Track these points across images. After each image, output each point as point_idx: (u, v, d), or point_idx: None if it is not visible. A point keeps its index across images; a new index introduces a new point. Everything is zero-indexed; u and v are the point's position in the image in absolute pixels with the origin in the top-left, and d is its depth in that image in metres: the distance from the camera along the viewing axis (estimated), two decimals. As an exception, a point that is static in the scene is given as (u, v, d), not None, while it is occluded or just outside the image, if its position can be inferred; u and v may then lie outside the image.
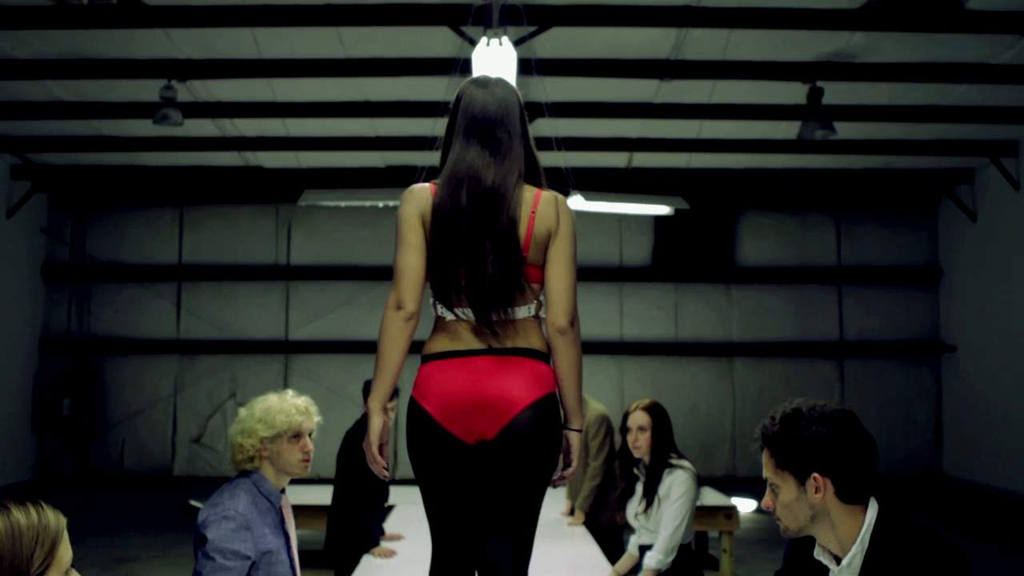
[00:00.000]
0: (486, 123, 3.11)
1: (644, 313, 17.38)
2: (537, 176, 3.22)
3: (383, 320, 3.11)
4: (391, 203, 12.04)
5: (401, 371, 3.14)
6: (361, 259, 17.13)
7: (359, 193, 13.23)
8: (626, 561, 5.13)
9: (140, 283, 17.20)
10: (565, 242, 3.02)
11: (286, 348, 17.27)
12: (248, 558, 3.34)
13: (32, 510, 1.66)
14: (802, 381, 16.75)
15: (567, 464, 3.17)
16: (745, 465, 16.91)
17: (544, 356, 3.06)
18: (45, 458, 16.84)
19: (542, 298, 3.06)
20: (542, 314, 3.07)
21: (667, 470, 4.79)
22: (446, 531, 3.10)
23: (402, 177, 13.73)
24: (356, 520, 6.11)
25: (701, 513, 8.47)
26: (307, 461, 3.55)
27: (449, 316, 3.07)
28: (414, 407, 3.10)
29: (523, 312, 3.01)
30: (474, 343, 3.00)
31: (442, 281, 3.03)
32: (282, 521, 3.53)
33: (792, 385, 16.60)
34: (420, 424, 3.05)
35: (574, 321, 3.04)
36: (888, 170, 15.98)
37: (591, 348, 16.74)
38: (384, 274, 17.61)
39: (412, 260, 3.01)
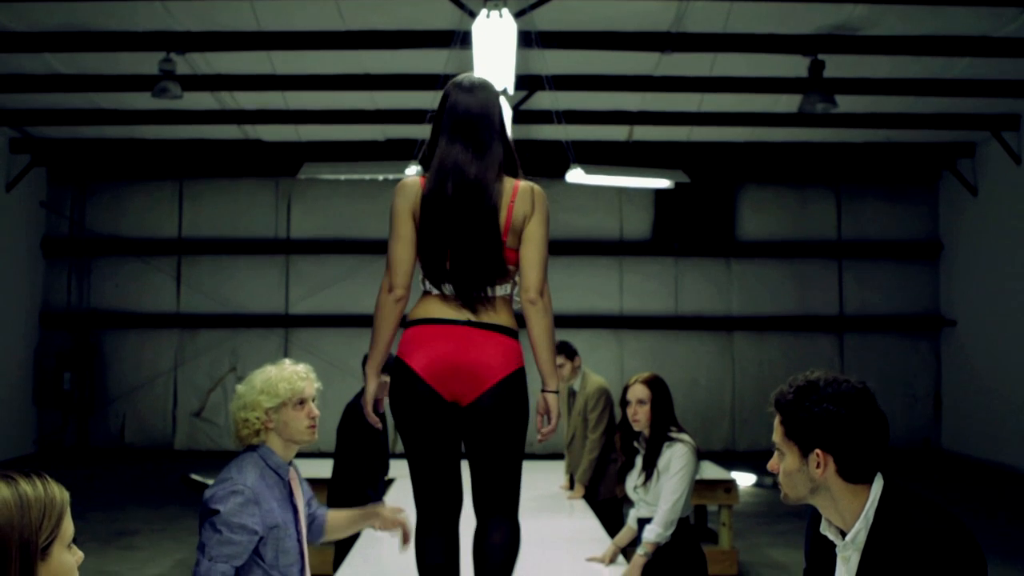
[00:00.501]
0: (469, 123, 3.46)
1: (644, 287, 17.37)
2: (515, 169, 3.55)
3: (378, 300, 3.53)
4: (391, 176, 12.01)
5: (392, 341, 3.56)
6: (361, 233, 17.11)
7: (359, 166, 13.21)
8: (626, 534, 5.14)
9: (140, 257, 17.19)
10: (538, 224, 3.40)
11: (286, 322, 17.28)
12: (255, 533, 3.34)
13: (38, 483, 1.67)
14: (802, 355, 16.77)
15: (548, 422, 3.49)
16: (744, 439, 16.95)
17: (514, 332, 3.45)
18: (46, 432, 16.88)
19: (517, 278, 3.44)
20: (516, 295, 3.45)
21: (667, 443, 4.79)
22: (426, 479, 3.49)
23: (402, 150, 13.70)
24: (356, 493, 6.12)
25: (700, 487, 8.50)
26: (314, 427, 3.52)
27: (435, 290, 3.47)
28: (399, 365, 3.45)
29: (500, 291, 3.43)
30: (455, 314, 3.39)
31: (431, 262, 3.44)
32: (290, 494, 3.53)
33: (792, 359, 16.63)
34: (404, 379, 3.41)
35: (543, 292, 3.40)
36: (889, 144, 15.94)
37: (591, 322, 16.76)
38: (383, 248, 17.65)
39: (402, 251, 3.48)
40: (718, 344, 17.46)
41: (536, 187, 3.50)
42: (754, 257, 17.43)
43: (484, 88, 3.57)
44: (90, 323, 17.06)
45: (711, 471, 8.91)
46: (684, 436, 4.85)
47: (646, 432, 4.86)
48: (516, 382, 3.40)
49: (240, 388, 3.55)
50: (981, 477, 14.81)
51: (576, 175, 11.75)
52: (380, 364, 3.60)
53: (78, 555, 1.73)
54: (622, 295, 17.39)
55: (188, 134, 15.57)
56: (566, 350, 7.37)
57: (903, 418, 17.15)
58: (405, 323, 3.55)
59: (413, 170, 11.44)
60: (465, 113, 3.48)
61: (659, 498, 4.76)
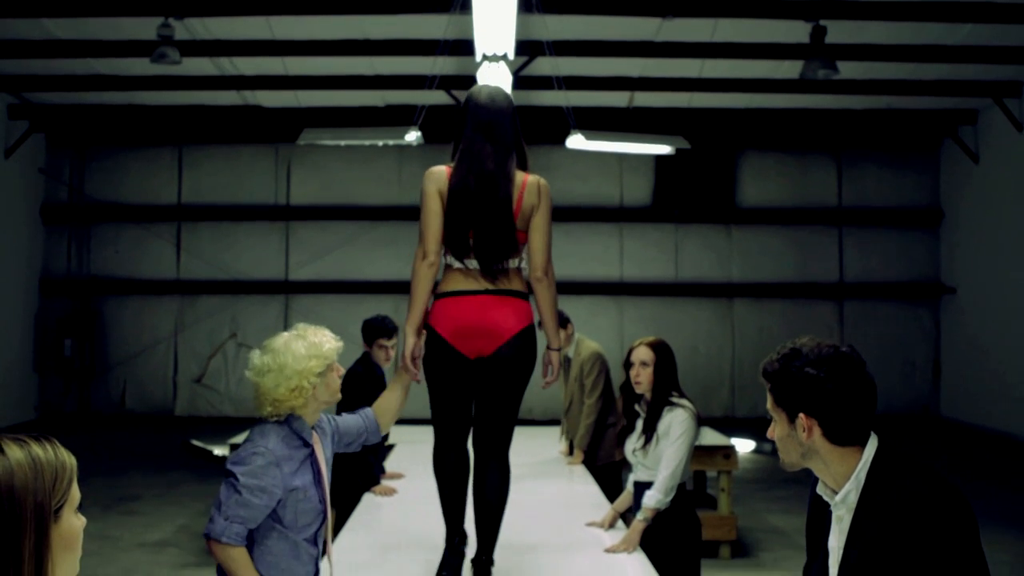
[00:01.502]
0: (488, 124, 4.08)
1: (644, 254, 17.37)
2: (524, 163, 4.17)
3: (413, 266, 4.08)
4: (391, 142, 11.96)
5: (428, 301, 4.11)
6: (361, 199, 17.09)
7: (359, 132, 13.15)
8: (624, 499, 5.17)
9: (140, 224, 17.18)
10: (543, 215, 4.08)
11: (286, 288, 17.29)
12: (274, 495, 3.36)
13: (49, 447, 1.68)
14: (802, 322, 16.77)
15: (551, 373, 4.26)
16: (744, 405, 17.00)
17: (525, 296, 4.12)
18: (47, 398, 16.93)
19: (524, 254, 4.10)
20: (524, 265, 4.12)
21: (667, 408, 4.80)
22: (447, 420, 4.19)
23: (402, 115, 13.67)
24: (357, 459, 6.14)
25: (700, 452, 8.53)
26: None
27: (458, 265, 4.06)
28: (429, 332, 4.08)
29: (512, 264, 4.08)
30: (476, 285, 4.02)
31: (455, 240, 4.05)
32: (312, 456, 3.54)
33: (791, 326, 16.62)
34: (433, 344, 4.06)
35: (548, 271, 4.11)
36: (890, 110, 15.88)
37: (591, 289, 16.77)
38: (383, 214, 17.60)
39: (433, 224, 4.08)
40: (718, 311, 17.47)
41: (542, 181, 4.13)
42: (754, 224, 17.41)
43: (501, 93, 4.21)
44: (90, 290, 17.07)
45: (710, 437, 8.94)
46: (685, 402, 4.86)
47: (647, 395, 4.87)
48: (528, 336, 4.10)
49: (271, 359, 3.45)
50: (979, 444, 14.87)
51: (576, 141, 11.72)
52: (419, 321, 4.07)
53: (82, 520, 1.75)
54: (622, 262, 17.39)
55: (187, 100, 15.51)
56: (559, 317, 7.39)
57: (902, 385, 17.19)
58: (435, 295, 4.12)
59: (413, 136, 11.41)
60: (485, 115, 4.10)
61: (658, 463, 4.77)
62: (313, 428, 3.58)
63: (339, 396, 3.61)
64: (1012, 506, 10.54)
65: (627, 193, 17.41)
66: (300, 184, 17.36)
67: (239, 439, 3.18)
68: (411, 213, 17.27)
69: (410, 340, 4.07)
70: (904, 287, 17.38)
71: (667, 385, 4.87)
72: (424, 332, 4.12)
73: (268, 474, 3.35)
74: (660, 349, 4.90)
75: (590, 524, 5.04)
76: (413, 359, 4.06)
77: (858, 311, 17.41)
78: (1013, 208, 14.64)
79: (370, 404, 6.32)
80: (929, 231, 17.46)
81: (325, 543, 3.62)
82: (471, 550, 4.31)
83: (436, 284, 4.16)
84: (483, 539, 4.20)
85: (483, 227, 4.01)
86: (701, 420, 4.93)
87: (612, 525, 5.08)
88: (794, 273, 17.38)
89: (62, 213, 17.15)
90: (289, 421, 3.49)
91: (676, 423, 4.76)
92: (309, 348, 3.49)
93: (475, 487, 4.20)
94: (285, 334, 3.55)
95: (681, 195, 17.24)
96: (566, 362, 7.64)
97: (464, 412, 4.22)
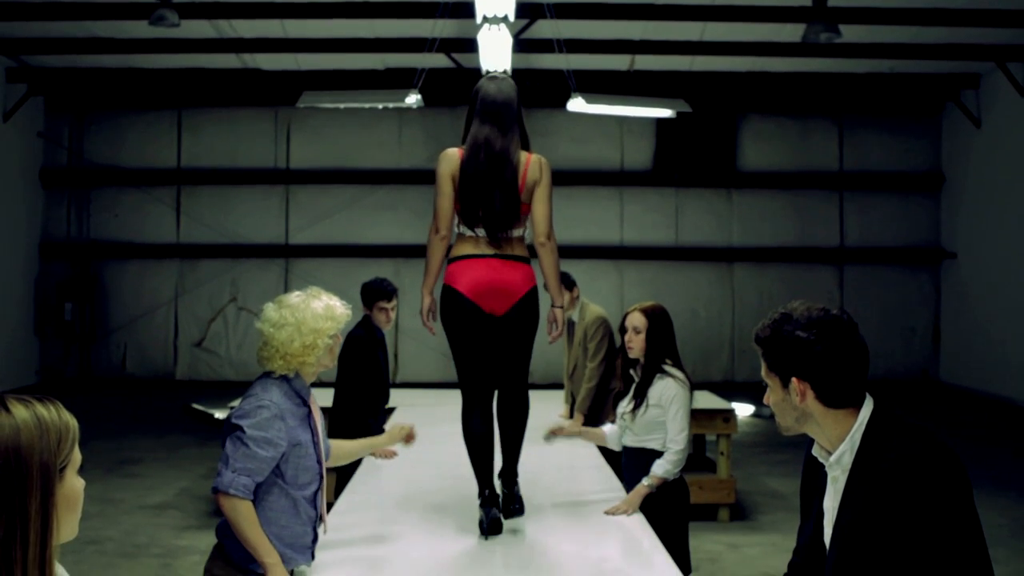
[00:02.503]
0: (496, 110, 4.56)
1: (644, 218, 17.35)
2: (527, 144, 4.67)
3: (428, 240, 4.59)
4: (390, 105, 11.93)
5: (440, 269, 4.62)
6: (361, 163, 17.05)
7: (358, 95, 13.11)
8: (596, 433, 5.25)
9: (139, 187, 17.15)
10: (545, 189, 4.56)
11: (286, 252, 17.29)
12: (280, 447, 3.38)
13: (52, 408, 1.69)
14: (802, 287, 16.77)
15: (556, 328, 4.70)
16: (743, 370, 17.04)
17: (528, 261, 4.59)
18: (48, 363, 16.96)
19: (528, 223, 4.59)
20: (525, 233, 4.61)
21: (658, 375, 4.81)
22: (470, 370, 4.61)
23: (401, 78, 13.60)
24: (357, 422, 6.16)
25: (699, 416, 8.55)
26: None
27: (469, 233, 4.54)
28: (448, 290, 4.53)
29: (517, 232, 4.57)
30: (485, 250, 4.51)
31: (467, 212, 4.51)
32: (309, 416, 3.56)
33: (792, 291, 16.61)
34: (453, 300, 4.50)
35: (550, 237, 4.57)
36: (892, 74, 15.80)
37: (591, 253, 16.76)
38: (383, 177, 17.55)
39: (445, 204, 4.53)
40: (718, 275, 17.48)
41: (543, 159, 4.61)
42: (755, 188, 17.38)
43: (507, 81, 4.69)
44: (90, 254, 17.06)
45: (710, 401, 8.97)
46: (676, 372, 4.86)
47: (642, 360, 4.88)
48: (533, 296, 4.58)
49: (290, 313, 3.47)
50: (978, 409, 14.91)
51: (577, 104, 11.67)
52: (432, 286, 4.62)
53: (82, 482, 1.76)
54: (622, 226, 17.37)
55: (186, 63, 15.44)
56: (565, 281, 7.41)
57: (902, 350, 17.23)
58: (449, 259, 4.60)
59: (413, 99, 11.36)
60: (492, 102, 4.58)
61: (648, 431, 4.81)
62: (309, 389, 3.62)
63: (335, 364, 3.68)
64: (1010, 471, 10.59)
65: (628, 157, 17.36)
66: (300, 147, 17.31)
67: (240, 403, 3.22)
68: (411, 177, 17.36)
69: (425, 301, 4.63)
70: (905, 252, 17.37)
71: (660, 352, 4.87)
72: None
73: (274, 426, 3.37)
74: (653, 316, 4.90)
75: (608, 512, 4.87)
76: (428, 315, 4.64)
77: (858, 276, 17.41)
78: (1015, 173, 14.60)
79: (370, 366, 6.34)
80: (930, 196, 17.43)
81: (321, 507, 3.64)
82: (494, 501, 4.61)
83: (449, 249, 4.65)
84: (508, 455, 4.69)
85: (491, 201, 4.47)
86: (695, 386, 4.95)
87: (630, 512, 4.84)
88: (795, 237, 17.36)
89: (61, 177, 17.11)
90: (288, 379, 3.51)
91: (667, 394, 4.77)
92: (326, 309, 3.54)
93: (499, 413, 4.70)
94: (299, 293, 3.58)
95: (682, 159, 17.20)
96: (570, 326, 7.66)
97: (486, 366, 4.62)
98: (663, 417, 4.79)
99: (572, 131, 16.65)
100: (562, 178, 16.47)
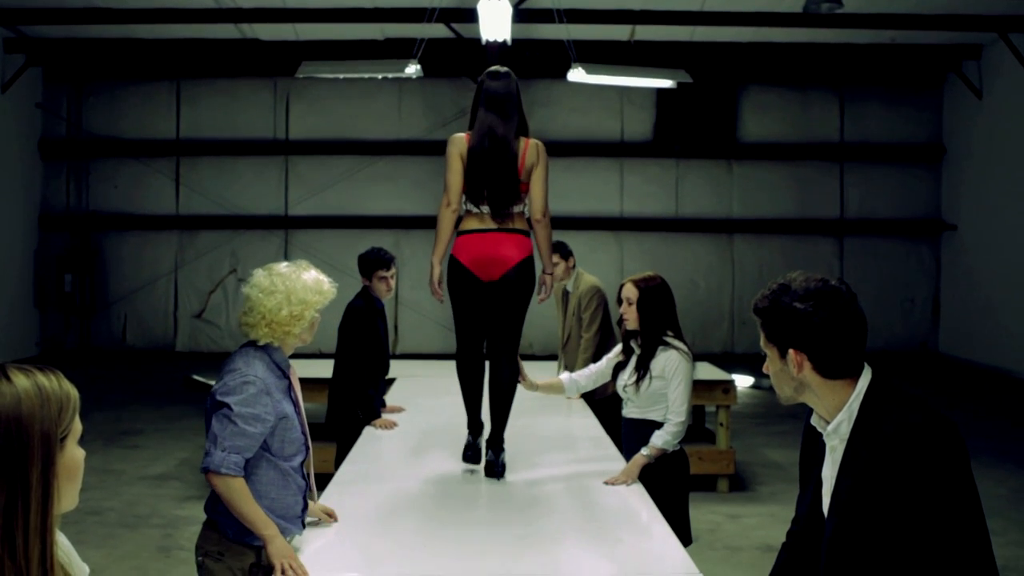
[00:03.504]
0: (498, 100, 5.07)
1: (645, 189, 17.32)
2: (526, 131, 5.17)
3: (440, 213, 5.05)
4: (390, 75, 11.88)
5: (451, 240, 5.05)
6: (360, 133, 17.01)
7: (357, 65, 13.06)
8: (553, 385, 5.30)
9: (138, 158, 17.11)
10: (541, 170, 5.07)
11: (286, 223, 17.27)
12: (268, 422, 3.38)
13: (53, 377, 1.69)
14: (802, 258, 16.78)
15: (544, 291, 5.23)
16: (743, 341, 17.07)
17: (526, 232, 5.11)
18: (48, 334, 16.99)
19: (526, 200, 5.12)
20: (524, 209, 5.15)
21: (661, 348, 4.81)
22: (467, 331, 5.16)
23: (401, 48, 13.53)
24: (358, 393, 6.17)
25: (699, 387, 8.52)
26: None
27: (475, 210, 5.06)
28: (453, 261, 5.07)
29: (517, 209, 5.08)
30: (490, 224, 5.02)
31: (473, 191, 5.02)
32: (290, 388, 3.56)
33: (791, 262, 16.61)
34: (455, 269, 5.06)
35: (546, 214, 5.11)
36: (894, 45, 15.73)
37: (591, 224, 16.76)
38: (383, 148, 17.52)
39: (455, 180, 5.01)
40: (718, 247, 17.47)
41: (539, 143, 5.11)
42: (755, 159, 17.34)
43: (508, 76, 5.20)
44: (90, 225, 17.05)
45: (709, 372, 8.98)
46: (679, 343, 4.86)
47: (639, 332, 4.89)
48: (527, 264, 5.07)
49: (280, 282, 3.47)
50: (977, 380, 14.94)
51: (577, 75, 11.63)
52: (443, 255, 5.11)
53: (82, 452, 1.76)
54: (622, 197, 17.35)
55: (184, 33, 15.37)
56: (561, 250, 7.44)
57: (901, 322, 17.25)
58: (456, 233, 5.09)
59: (412, 69, 11.31)
60: (496, 93, 5.08)
61: (651, 403, 4.82)
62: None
63: (312, 340, 3.64)
64: (1008, 442, 10.62)
65: (628, 128, 17.31)
66: (299, 118, 17.27)
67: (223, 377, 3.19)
68: (411, 148, 17.33)
69: (436, 269, 5.11)
70: (905, 224, 17.35)
71: (655, 323, 4.87)
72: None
73: (260, 402, 3.36)
74: (644, 287, 4.91)
75: (608, 482, 4.90)
76: (438, 284, 5.14)
77: (858, 247, 17.41)
78: (1016, 145, 14.56)
79: (370, 337, 6.33)
80: (931, 168, 17.39)
81: (309, 477, 3.65)
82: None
83: (458, 222, 5.13)
84: (496, 422, 5.09)
85: (494, 180, 4.98)
86: (696, 358, 4.96)
87: (629, 482, 4.85)
88: (795, 209, 17.35)
89: (60, 148, 17.07)
90: (269, 351, 3.50)
91: (671, 366, 4.77)
92: (315, 283, 3.53)
93: (491, 380, 5.15)
94: (288, 263, 3.56)
95: (682, 130, 17.15)
96: (565, 295, 7.67)
97: (479, 324, 5.17)
98: (666, 389, 4.80)
99: (572, 102, 16.60)
100: (562, 149, 16.50)
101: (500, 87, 5.17)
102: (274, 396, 3.42)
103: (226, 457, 3.32)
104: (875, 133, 17.32)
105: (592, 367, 5.33)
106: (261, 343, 3.50)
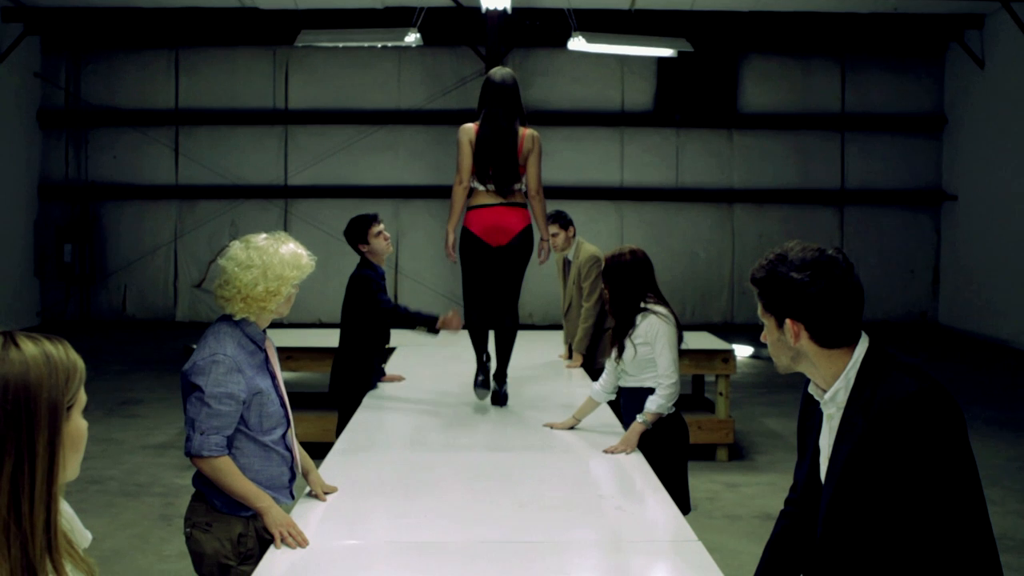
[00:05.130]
0: (502, 95, 5.84)
1: (645, 159, 17.29)
2: (524, 122, 5.94)
3: (453, 189, 5.88)
4: (389, 43, 11.83)
5: (463, 212, 5.88)
6: (360, 103, 16.95)
7: (357, 34, 13.01)
8: (587, 406, 5.18)
9: (137, 128, 17.06)
10: (535, 156, 5.87)
11: (285, 193, 17.25)
12: (241, 399, 3.39)
13: (60, 346, 1.69)
14: (802, 228, 16.77)
15: (543, 253, 6.08)
16: (743, 311, 17.08)
17: (525, 206, 5.96)
18: (49, 304, 17.00)
19: (524, 179, 5.91)
20: (523, 187, 5.91)
21: (640, 315, 4.84)
22: (475, 290, 6.01)
23: (400, 17, 13.46)
24: (362, 362, 6.20)
25: (699, 357, 8.60)
26: None
27: (482, 188, 5.83)
28: (465, 231, 5.89)
29: (517, 186, 5.86)
30: (495, 200, 5.82)
31: (481, 172, 5.80)
32: (266, 360, 3.55)
33: (792, 232, 16.61)
34: (468, 238, 5.87)
35: (539, 191, 5.93)
36: (896, 14, 15.65)
37: (591, 194, 16.74)
38: (382, 118, 17.46)
39: (466, 162, 5.80)
40: (718, 216, 17.45)
41: (535, 133, 5.92)
42: (756, 129, 17.30)
43: (510, 77, 5.97)
44: (89, 195, 17.02)
45: (709, 342, 8.99)
46: (659, 307, 4.88)
47: (608, 307, 5.02)
48: (527, 232, 5.91)
49: (257, 256, 3.43)
50: (976, 350, 14.96)
51: (578, 43, 11.60)
52: (456, 224, 5.90)
53: (85, 423, 1.77)
54: (623, 167, 17.31)
55: (183, 2, 15.29)
56: (561, 219, 7.45)
57: (901, 292, 17.26)
58: (467, 207, 5.89)
59: (412, 37, 11.27)
60: (500, 89, 5.85)
61: (640, 370, 4.84)
62: (264, 333, 3.59)
63: (288, 313, 3.61)
64: (1006, 411, 10.65)
65: (628, 97, 17.26)
66: (298, 88, 17.21)
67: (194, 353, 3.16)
68: (410, 117, 17.31)
69: (450, 237, 5.92)
70: (905, 194, 17.33)
71: (624, 297, 4.90)
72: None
73: (231, 380, 3.36)
74: (608, 264, 4.99)
75: (547, 425, 5.16)
76: (452, 248, 5.92)
77: (859, 217, 17.40)
78: (1018, 115, 14.52)
79: (372, 309, 6.29)
80: (932, 137, 17.35)
81: (292, 448, 3.64)
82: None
83: (469, 196, 5.91)
84: (500, 360, 6.04)
85: (498, 163, 5.77)
86: (679, 323, 4.95)
87: (573, 427, 5.14)
88: (795, 179, 17.32)
89: (59, 118, 17.02)
90: (242, 325, 3.48)
91: (652, 331, 4.80)
92: (293, 257, 3.47)
93: (496, 327, 6.04)
94: (266, 235, 3.53)
95: (683, 99, 17.10)
96: (565, 264, 7.69)
97: (486, 284, 5.99)
98: (653, 354, 4.82)
99: (573, 71, 16.53)
100: (562, 119, 16.49)
101: (503, 84, 5.97)
102: (246, 373, 3.41)
103: (205, 440, 3.34)
104: (876, 103, 17.27)
105: (607, 369, 5.14)
106: (236, 318, 3.48)
